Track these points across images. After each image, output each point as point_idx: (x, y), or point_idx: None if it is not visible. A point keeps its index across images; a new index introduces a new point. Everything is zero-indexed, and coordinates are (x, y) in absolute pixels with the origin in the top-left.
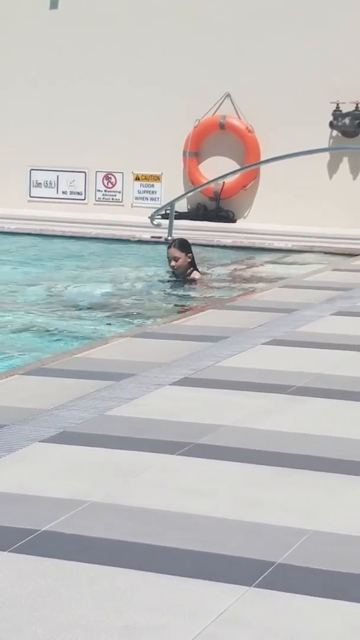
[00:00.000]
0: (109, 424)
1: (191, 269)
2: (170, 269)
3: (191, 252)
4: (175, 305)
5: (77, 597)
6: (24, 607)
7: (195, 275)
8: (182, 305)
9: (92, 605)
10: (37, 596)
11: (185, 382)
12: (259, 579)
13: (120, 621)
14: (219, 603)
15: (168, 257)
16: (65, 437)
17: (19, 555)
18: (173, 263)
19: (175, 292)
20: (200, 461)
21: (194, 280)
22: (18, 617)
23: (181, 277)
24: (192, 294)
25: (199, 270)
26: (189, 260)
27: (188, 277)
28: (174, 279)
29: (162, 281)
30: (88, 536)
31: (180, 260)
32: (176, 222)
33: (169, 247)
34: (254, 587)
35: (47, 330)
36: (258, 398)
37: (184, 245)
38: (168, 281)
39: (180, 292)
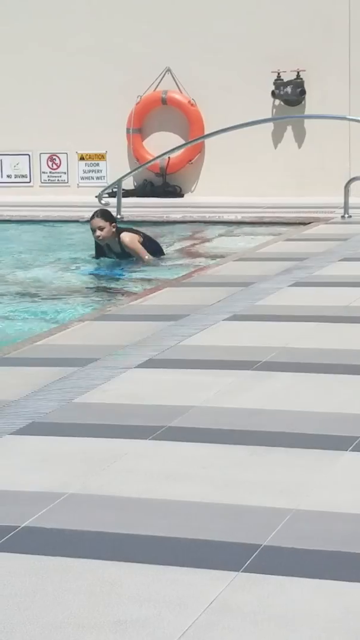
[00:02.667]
0: (79, 412)
1: (118, 236)
2: (95, 239)
3: (115, 222)
4: (129, 285)
5: (65, 594)
6: (11, 606)
7: (125, 239)
8: (137, 285)
9: (81, 601)
10: (24, 595)
11: (151, 363)
12: (247, 563)
13: (111, 616)
14: (209, 591)
15: (92, 229)
16: (35, 428)
17: (2, 553)
18: (98, 233)
19: (126, 272)
20: (174, 444)
21: (126, 243)
22: (7, 617)
23: (109, 246)
24: (142, 273)
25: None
26: (114, 229)
27: (121, 243)
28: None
29: (112, 263)
30: (69, 529)
31: (105, 230)
32: (124, 200)
33: (91, 219)
34: (242, 572)
35: (3, 319)
36: (225, 376)
37: (106, 215)
38: (116, 261)
39: (131, 270)
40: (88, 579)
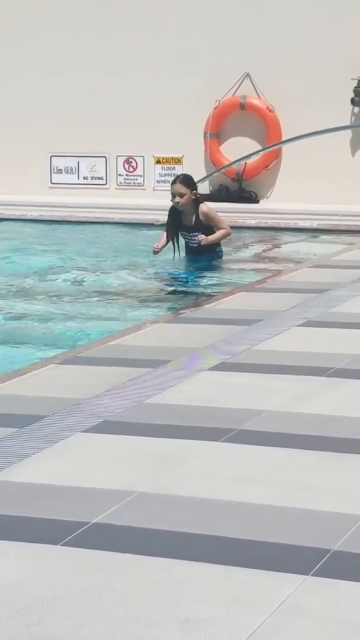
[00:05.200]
0: (150, 412)
1: (198, 205)
2: (174, 205)
3: (196, 189)
4: (203, 288)
5: (134, 590)
6: (81, 601)
7: (203, 208)
8: (211, 288)
9: (150, 598)
10: (93, 590)
11: (223, 367)
12: (316, 567)
13: (180, 613)
14: (278, 593)
15: (172, 193)
16: (107, 427)
17: (72, 548)
18: (177, 199)
19: (201, 275)
20: (245, 447)
21: (204, 212)
22: (77, 612)
23: (184, 215)
24: (216, 276)
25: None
26: (194, 197)
27: (198, 213)
28: (191, 243)
29: (187, 265)
30: (139, 527)
31: (185, 197)
32: None
33: (172, 183)
34: (311, 575)
35: (77, 319)
36: (298, 381)
37: (188, 181)
38: (192, 265)
39: (205, 273)
40: (156, 577)
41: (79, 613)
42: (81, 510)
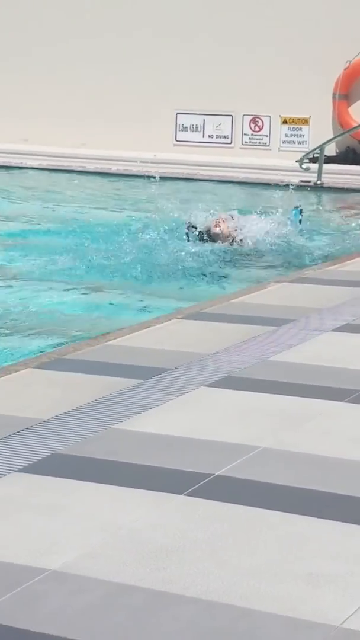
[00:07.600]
0: (273, 370)
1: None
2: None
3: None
4: (326, 249)
5: (258, 543)
6: (204, 551)
7: None
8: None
9: (274, 551)
10: (217, 540)
11: (347, 328)
12: None
13: (303, 568)
14: None
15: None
16: (231, 382)
17: (195, 499)
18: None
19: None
20: None
21: None
22: (199, 561)
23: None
24: (338, 241)
25: None
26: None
27: None
28: None
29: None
30: (262, 482)
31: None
32: (325, 167)
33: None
34: None
35: (199, 275)
36: None
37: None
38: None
39: (327, 237)
40: (279, 530)
41: (202, 562)
42: (205, 462)
